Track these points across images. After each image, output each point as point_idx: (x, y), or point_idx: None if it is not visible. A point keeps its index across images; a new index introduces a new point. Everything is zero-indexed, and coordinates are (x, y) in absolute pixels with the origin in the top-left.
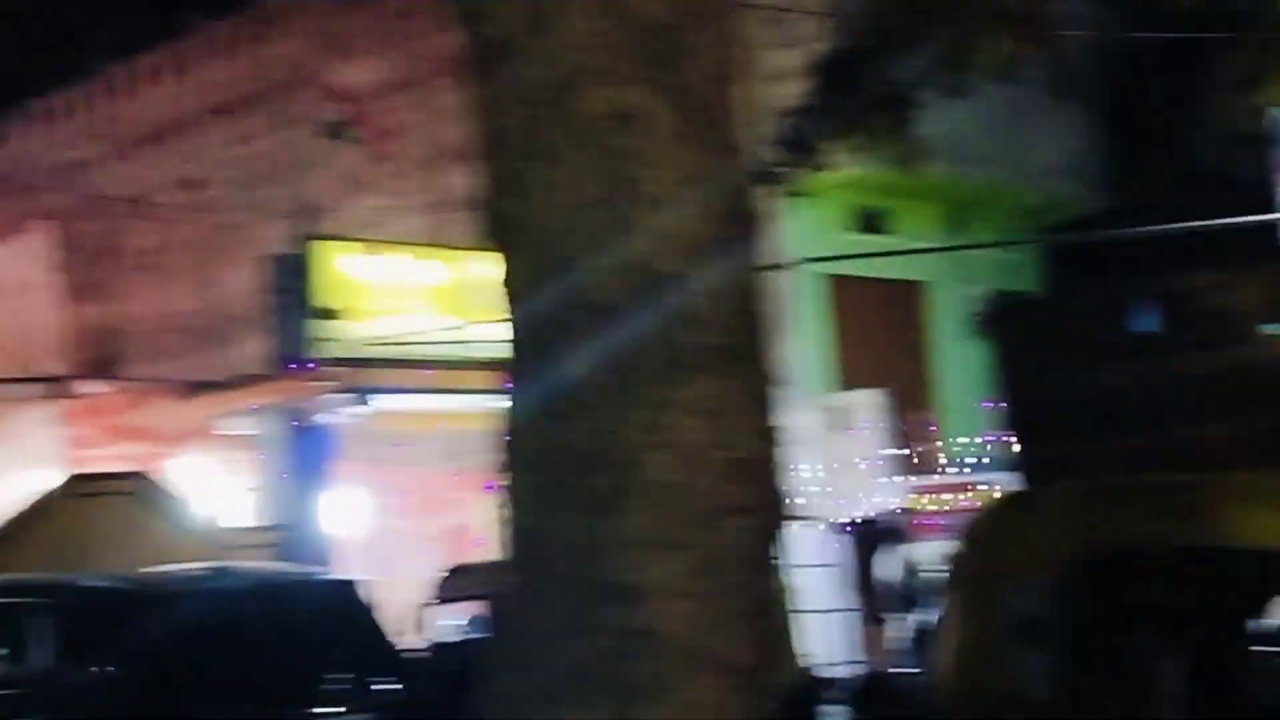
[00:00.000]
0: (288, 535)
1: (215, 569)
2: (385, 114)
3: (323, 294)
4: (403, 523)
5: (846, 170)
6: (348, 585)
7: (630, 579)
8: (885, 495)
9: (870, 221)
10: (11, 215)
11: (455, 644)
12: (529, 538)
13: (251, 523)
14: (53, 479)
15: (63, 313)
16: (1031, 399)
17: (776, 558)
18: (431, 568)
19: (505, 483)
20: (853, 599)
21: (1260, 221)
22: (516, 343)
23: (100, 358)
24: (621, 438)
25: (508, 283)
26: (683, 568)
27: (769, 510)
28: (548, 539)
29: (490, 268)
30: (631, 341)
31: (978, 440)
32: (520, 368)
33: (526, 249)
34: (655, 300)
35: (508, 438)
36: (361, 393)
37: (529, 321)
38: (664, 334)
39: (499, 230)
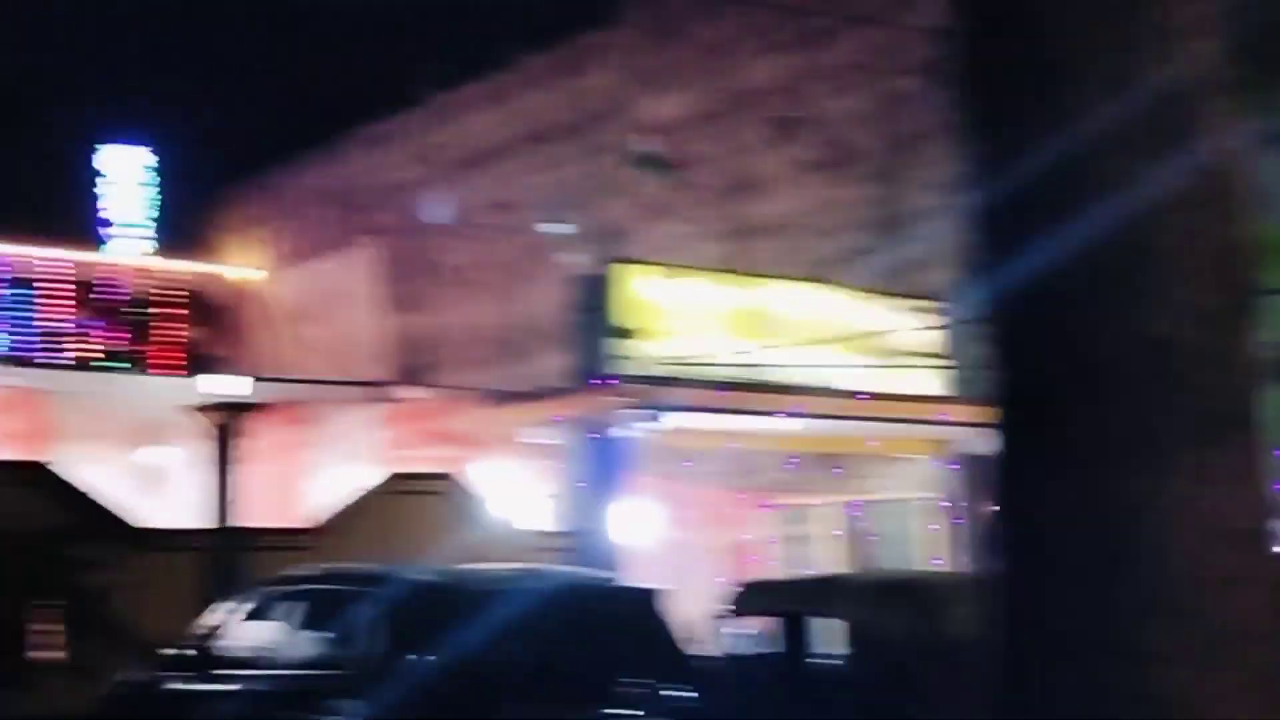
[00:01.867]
0: (581, 541)
1: (526, 569)
2: (689, 144)
3: (622, 314)
4: (688, 536)
5: None
6: (647, 593)
7: (1141, 644)
8: None
9: None
10: (341, 231)
11: (747, 657)
12: (1026, 591)
13: (548, 527)
14: (374, 476)
15: (384, 322)
16: None
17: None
18: (715, 580)
19: (995, 534)
20: None
21: None
22: (1009, 401)
23: (415, 365)
24: (1129, 501)
25: (1001, 343)
26: (1193, 636)
27: (1274, 582)
28: (1050, 596)
29: (782, 296)
30: (1141, 408)
31: None
32: (1016, 424)
33: (1029, 308)
34: (1167, 369)
35: (1002, 491)
36: (655, 409)
37: (1026, 380)
38: (1175, 402)
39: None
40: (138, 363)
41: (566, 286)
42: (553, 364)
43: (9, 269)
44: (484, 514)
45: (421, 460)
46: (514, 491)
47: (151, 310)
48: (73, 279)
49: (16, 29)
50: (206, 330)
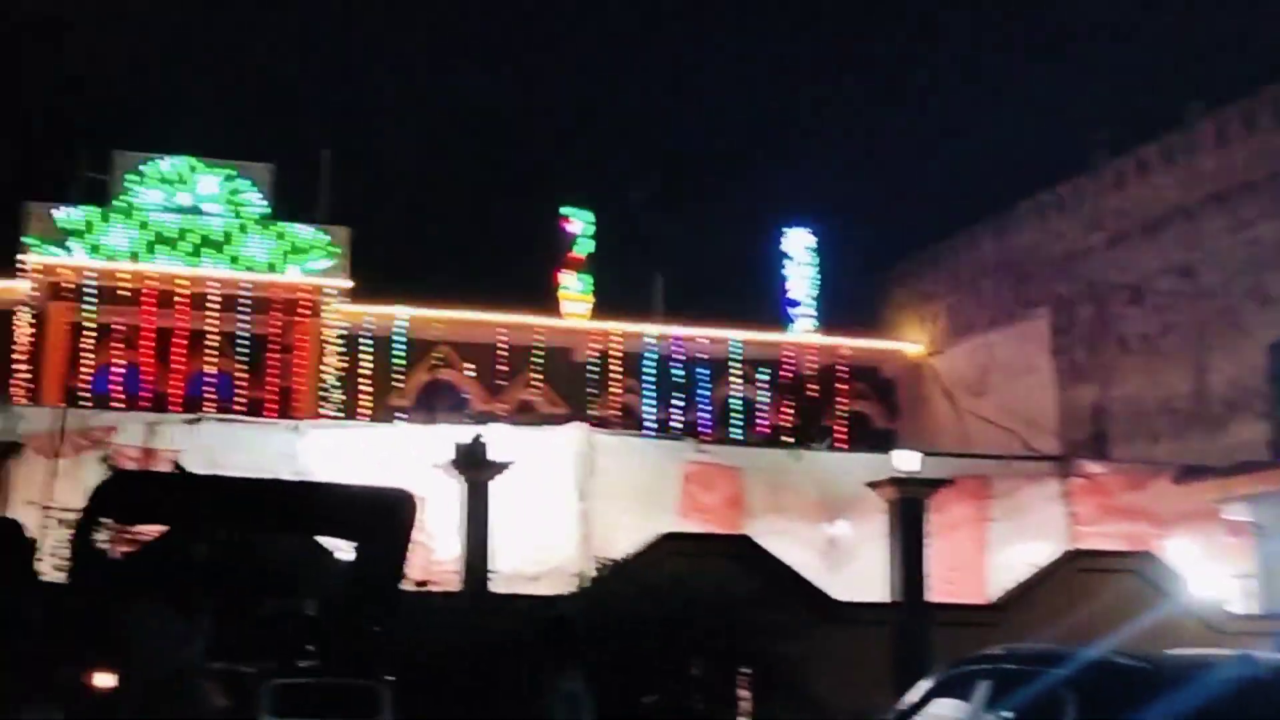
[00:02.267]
0: None
1: (1231, 654)
2: None
3: None
4: None
5: None
6: None
7: None
8: None
9: None
10: (1014, 302)
11: None
12: None
13: (1243, 608)
14: (1053, 552)
15: (1058, 394)
16: None
17: None
18: None
19: None
20: None
21: None
22: None
23: (1091, 437)
24: None
25: None
26: None
27: None
28: None
29: None
30: None
31: None
32: None
33: None
34: None
35: None
36: None
37: None
38: None
39: None
40: (821, 439)
41: (1263, 354)
42: (1249, 435)
43: (682, 349)
44: (1174, 594)
45: (1105, 536)
46: (1204, 571)
47: (825, 387)
48: (753, 358)
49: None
50: (877, 405)
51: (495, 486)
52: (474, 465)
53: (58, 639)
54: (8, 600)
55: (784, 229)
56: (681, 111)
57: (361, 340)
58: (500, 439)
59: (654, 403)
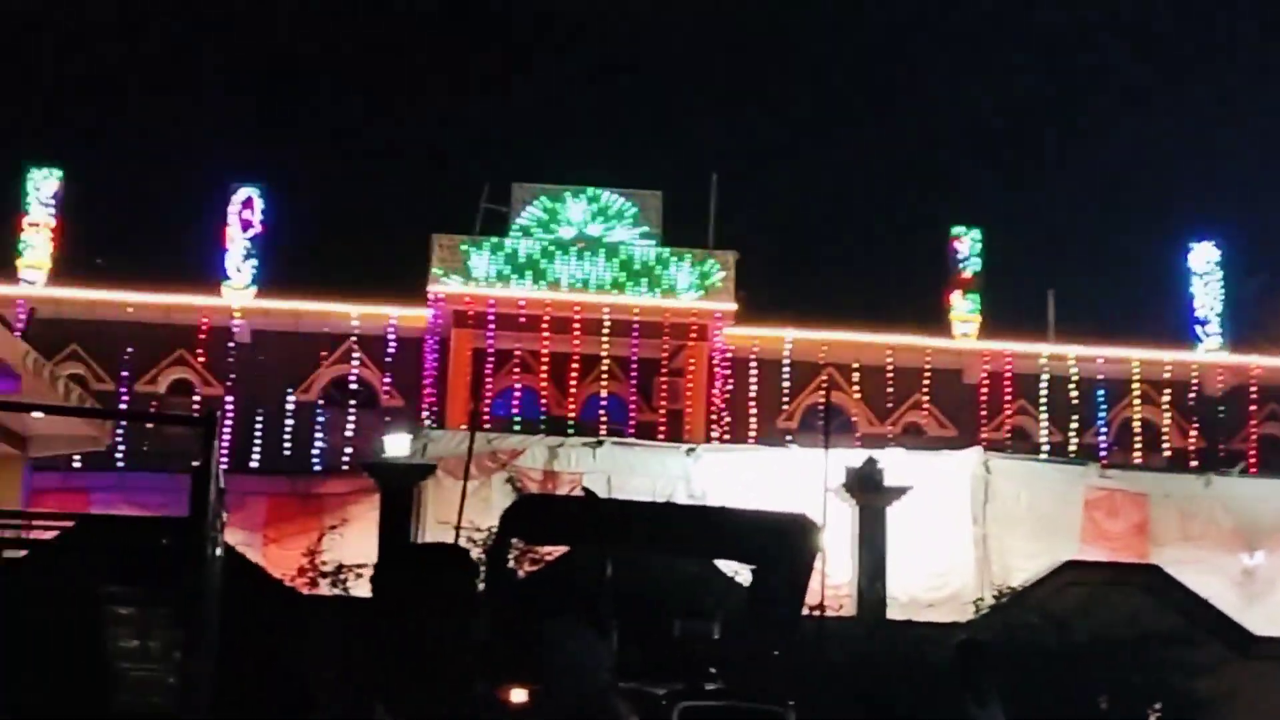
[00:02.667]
0: None
1: None
2: None
3: None
4: None
5: None
6: None
7: None
8: None
9: None
10: None
11: None
12: None
13: None
14: None
15: None
16: None
17: None
18: None
19: None
20: None
21: None
22: None
23: None
24: None
25: None
26: None
27: None
28: None
29: None
30: None
31: None
32: None
33: None
34: None
35: None
36: None
37: None
38: None
39: None
40: (1233, 464)
41: None
42: None
43: (1078, 369)
44: None
45: None
46: None
47: (1234, 410)
48: (1155, 378)
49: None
50: None
51: (890, 511)
52: (869, 490)
53: (480, 655)
54: (459, 624)
55: (1189, 244)
56: (1073, 125)
57: (749, 363)
58: (892, 463)
59: (1049, 425)
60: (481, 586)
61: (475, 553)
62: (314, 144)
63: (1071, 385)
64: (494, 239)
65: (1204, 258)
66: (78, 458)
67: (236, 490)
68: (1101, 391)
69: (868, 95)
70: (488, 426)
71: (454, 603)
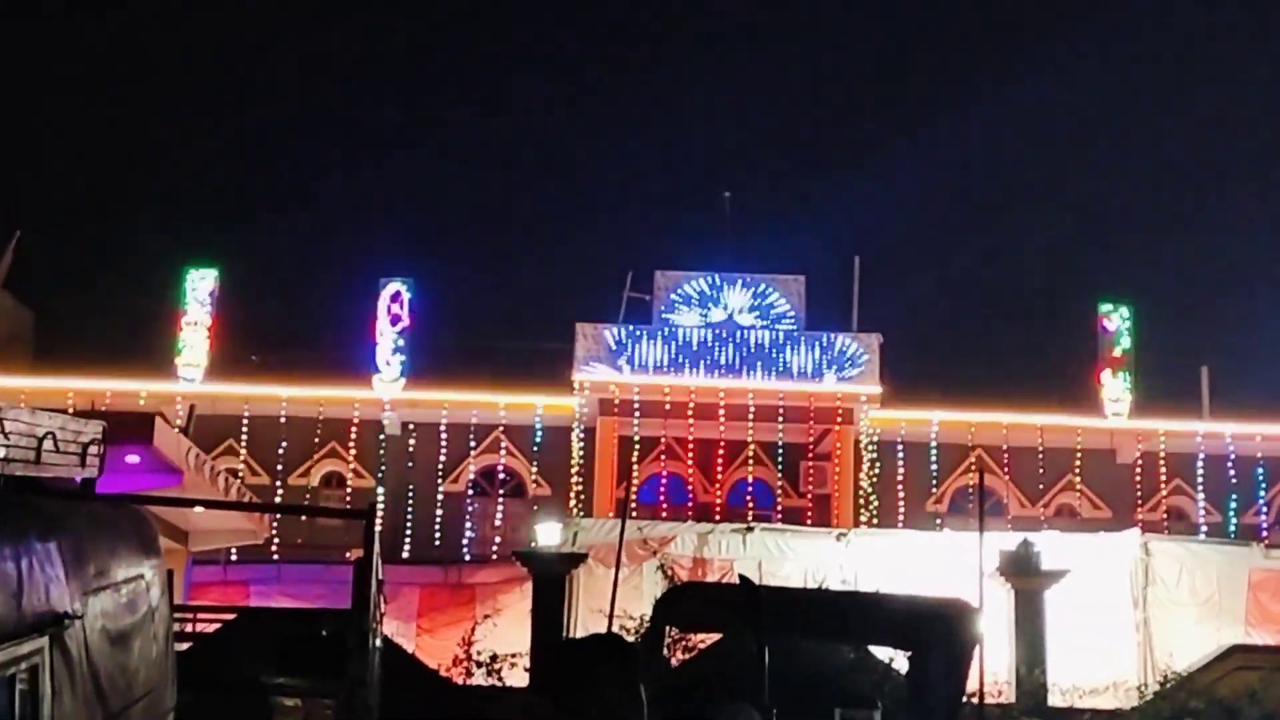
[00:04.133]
0: None
1: None
2: None
3: None
4: None
5: None
6: None
7: None
8: None
9: None
10: None
11: None
12: None
13: None
14: None
15: None
16: None
17: None
18: None
19: None
20: None
21: None
22: None
23: None
24: None
25: None
26: None
27: None
28: None
29: None
30: None
31: None
32: None
33: None
34: None
35: None
36: None
37: None
38: None
39: None
40: None
41: None
42: None
43: (1235, 447)
44: None
45: None
46: None
47: None
48: None
49: None
50: None
51: (1047, 595)
52: (1025, 573)
53: None
54: (614, 711)
55: None
56: (1223, 195)
57: (896, 446)
58: (1048, 546)
59: (1206, 505)
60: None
61: (628, 639)
62: (459, 238)
63: (1229, 463)
64: (641, 326)
65: None
66: (235, 552)
67: (389, 581)
68: (1261, 469)
69: (1013, 171)
70: (635, 515)
71: (621, 692)
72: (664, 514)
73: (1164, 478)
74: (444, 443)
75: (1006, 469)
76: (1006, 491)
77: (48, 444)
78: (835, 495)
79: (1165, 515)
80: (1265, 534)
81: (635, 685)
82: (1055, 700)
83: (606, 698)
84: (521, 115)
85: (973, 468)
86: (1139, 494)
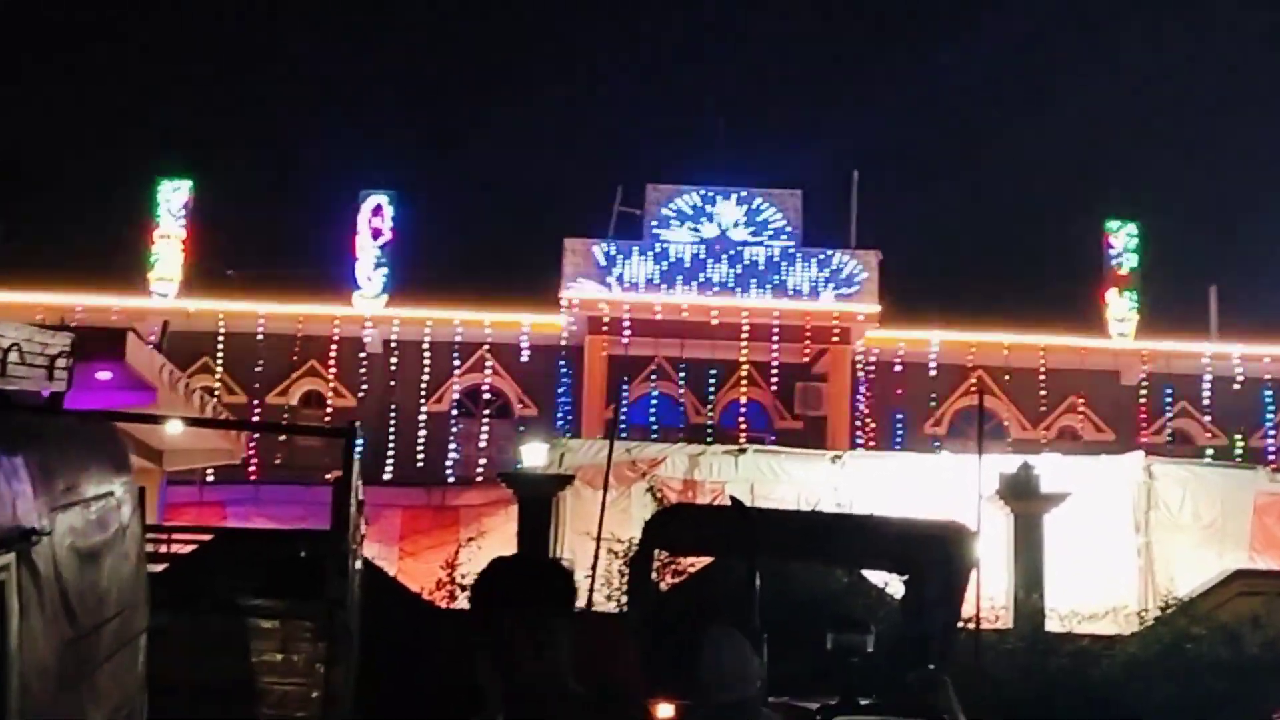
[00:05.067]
0: None
1: None
2: None
3: None
4: None
5: None
6: None
7: None
8: None
9: None
10: None
11: None
12: None
13: None
14: None
15: None
16: None
17: None
18: None
19: None
20: None
21: None
22: None
23: None
24: None
25: None
26: None
27: None
28: None
29: None
30: None
31: None
32: None
33: None
34: None
35: None
36: None
37: None
38: None
39: None
40: None
41: None
42: None
43: (1243, 369)
44: None
45: None
46: None
47: None
48: None
49: None
50: None
51: (1047, 519)
52: (1025, 496)
53: (614, 667)
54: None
55: None
56: (1232, 109)
57: (894, 367)
58: (1048, 469)
59: (1213, 428)
60: (624, 599)
61: (617, 564)
62: (443, 148)
63: (1236, 385)
64: (631, 242)
65: None
66: (211, 472)
67: (371, 503)
68: (1269, 391)
69: (1016, 85)
70: (625, 435)
71: (546, 619)
72: (655, 435)
73: (1170, 400)
74: (427, 361)
75: (1007, 391)
76: (1007, 414)
77: (13, 356)
78: (831, 417)
79: (1170, 438)
80: (1273, 458)
81: (565, 608)
82: (1053, 626)
83: (530, 618)
84: (511, 24)
85: (972, 389)
86: (1144, 417)
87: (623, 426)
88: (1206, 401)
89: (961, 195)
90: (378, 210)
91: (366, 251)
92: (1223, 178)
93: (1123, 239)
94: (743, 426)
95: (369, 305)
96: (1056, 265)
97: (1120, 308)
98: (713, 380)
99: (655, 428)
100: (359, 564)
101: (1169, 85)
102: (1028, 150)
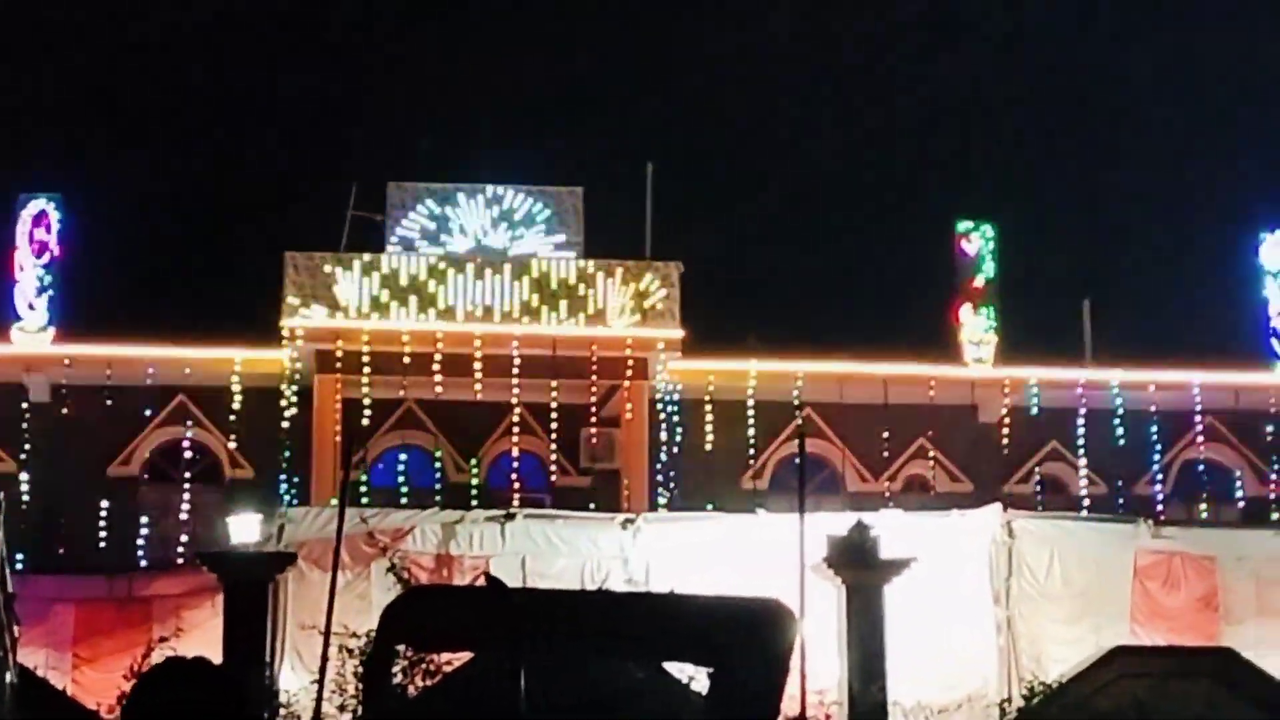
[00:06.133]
0: None
1: None
2: None
3: None
4: None
5: None
6: None
7: None
8: None
9: None
10: None
11: None
12: None
13: None
14: None
15: None
16: None
17: None
18: None
19: None
20: None
21: None
22: None
23: None
24: None
25: None
26: None
27: None
28: None
29: None
30: None
31: None
32: None
33: None
34: None
35: None
36: None
37: None
38: None
39: None
40: None
41: None
42: None
43: (1123, 401)
44: None
45: None
46: None
47: None
48: (1222, 408)
49: None
50: None
51: (887, 591)
52: (860, 564)
53: None
54: None
55: (1260, 234)
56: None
57: (703, 406)
58: (889, 529)
59: (1089, 473)
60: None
61: (352, 664)
62: (126, 141)
63: (1117, 420)
64: (366, 255)
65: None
66: None
67: (35, 596)
68: (1155, 427)
69: (847, 71)
70: (365, 501)
71: None
72: (405, 500)
73: (1037, 440)
74: (109, 412)
75: (842, 433)
76: (843, 461)
77: None
78: (626, 470)
79: (1039, 487)
80: (1160, 508)
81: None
82: None
83: None
84: None
85: (798, 431)
86: (1007, 461)
87: (362, 490)
88: (1081, 441)
89: (778, 199)
90: (41, 219)
91: (28, 273)
92: (1096, 174)
93: (977, 244)
94: (515, 486)
95: (32, 341)
96: (900, 279)
97: (976, 327)
98: (477, 428)
99: (405, 490)
100: (12, 677)
101: (1027, 65)
102: (864, 144)
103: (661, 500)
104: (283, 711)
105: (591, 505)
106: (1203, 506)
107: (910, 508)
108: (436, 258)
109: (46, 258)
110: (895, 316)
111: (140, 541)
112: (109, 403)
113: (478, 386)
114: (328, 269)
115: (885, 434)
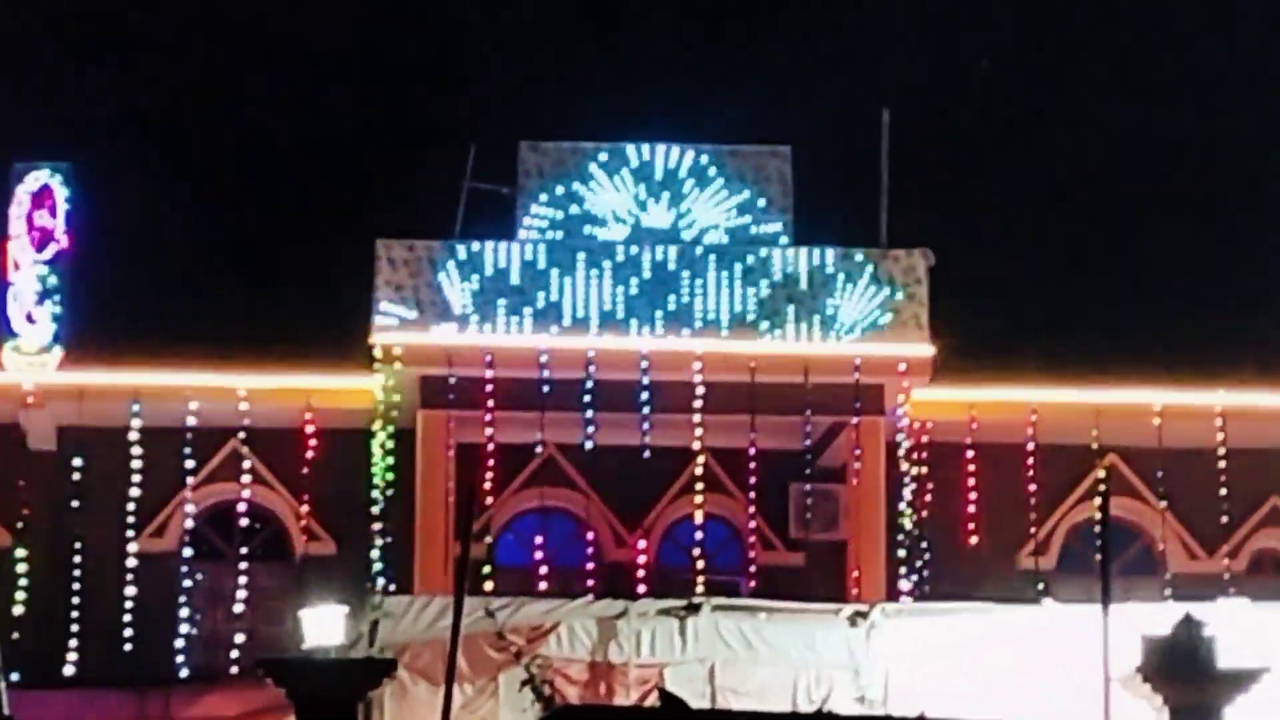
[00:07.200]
0: None
1: None
2: None
3: None
4: None
5: None
6: None
7: None
8: None
9: None
10: None
11: None
12: None
13: None
14: None
15: None
16: None
17: None
18: None
19: None
20: None
21: None
22: None
23: None
24: None
25: None
26: None
27: None
28: None
29: None
30: None
31: None
32: None
33: None
34: None
35: None
36: None
37: None
38: None
39: None
40: None
41: None
42: None
43: None
44: None
45: None
46: None
47: None
48: None
49: None
50: None
51: (1228, 713)
52: (1187, 676)
53: None
54: None
55: None
56: None
57: (964, 451)
58: (1231, 626)
59: None
60: None
61: None
62: (159, 94)
63: None
64: (490, 244)
65: None
66: None
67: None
68: None
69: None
70: (490, 587)
71: None
72: (544, 586)
73: None
74: (138, 464)
75: (1162, 490)
76: (1163, 529)
77: None
78: (855, 543)
79: None
80: None
81: None
82: None
83: None
84: None
85: (1099, 487)
86: None
87: (486, 571)
88: None
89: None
90: (43, 197)
91: (25, 271)
92: None
93: None
94: (699, 565)
95: (31, 366)
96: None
97: None
98: (645, 485)
99: (544, 573)
100: None
101: None
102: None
103: (905, 585)
104: None
105: (807, 593)
106: None
107: (1260, 596)
108: (589, 241)
109: (51, 251)
110: (1234, 327)
111: (180, 643)
112: (136, 451)
113: (645, 425)
114: (437, 263)
115: (1224, 491)
